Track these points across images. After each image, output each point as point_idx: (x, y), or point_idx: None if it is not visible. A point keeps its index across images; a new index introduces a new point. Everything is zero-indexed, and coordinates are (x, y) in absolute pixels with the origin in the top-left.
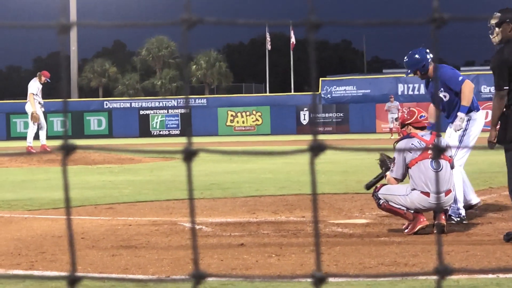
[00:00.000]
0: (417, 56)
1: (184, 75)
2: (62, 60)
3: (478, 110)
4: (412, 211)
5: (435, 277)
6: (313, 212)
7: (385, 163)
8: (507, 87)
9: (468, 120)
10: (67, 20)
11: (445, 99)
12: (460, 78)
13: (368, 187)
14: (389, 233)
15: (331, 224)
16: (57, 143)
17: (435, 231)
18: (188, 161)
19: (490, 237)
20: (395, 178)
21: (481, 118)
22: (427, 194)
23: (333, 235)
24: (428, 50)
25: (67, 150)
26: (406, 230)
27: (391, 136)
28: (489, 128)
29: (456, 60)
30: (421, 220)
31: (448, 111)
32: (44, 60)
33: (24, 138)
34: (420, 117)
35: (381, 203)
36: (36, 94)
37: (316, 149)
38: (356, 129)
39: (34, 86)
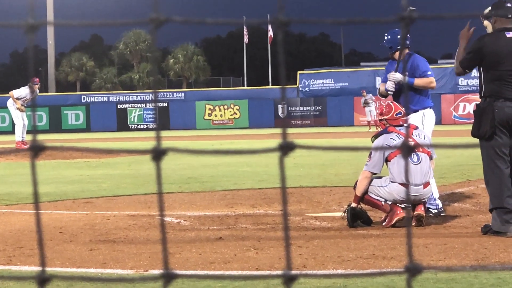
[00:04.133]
0: (395, 36)
1: (153, 71)
2: (30, 60)
3: (431, 107)
4: (390, 203)
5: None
6: (283, 211)
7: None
8: (468, 72)
9: (423, 115)
10: (35, 21)
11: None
12: (429, 72)
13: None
14: (367, 226)
15: (309, 217)
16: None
17: (414, 224)
18: (158, 160)
19: (467, 230)
20: (371, 172)
21: (433, 114)
22: (405, 185)
23: (311, 228)
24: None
25: (36, 150)
26: (384, 223)
27: (369, 129)
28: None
29: (433, 53)
30: (398, 212)
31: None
32: (21, 54)
33: (0, 132)
34: (397, 114)
35: None
36: (19, 99)
37: (286, 148)
38: (334, 122)
39: (21, 91)
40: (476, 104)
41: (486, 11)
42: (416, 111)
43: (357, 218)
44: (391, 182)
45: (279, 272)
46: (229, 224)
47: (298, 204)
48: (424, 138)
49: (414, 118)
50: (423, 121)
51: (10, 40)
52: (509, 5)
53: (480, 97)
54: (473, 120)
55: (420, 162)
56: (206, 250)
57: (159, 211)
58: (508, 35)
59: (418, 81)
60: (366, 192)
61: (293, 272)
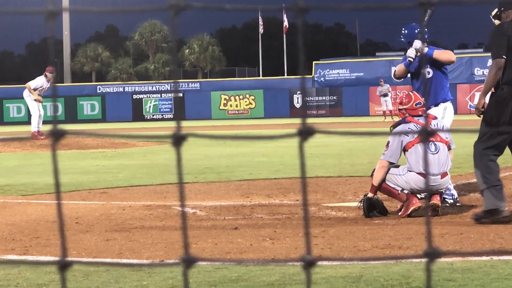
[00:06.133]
0: (413, 31)
1: (173, 60)
2: (51, 47)
3: (450, 100)
4: (406, 192)
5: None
6: (302, 197)
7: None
8: (505, 57)
9: (444, 109)
10: (55, 7)
11: (428, 75)
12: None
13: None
14: (383, 216)
15: (325, 207)
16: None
17: (429, 213)
18: (177, 146)
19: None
20: (388, 162)
21: (452, 108)
22: (423, 175)
23: (327, 218)
24: (417, 30)
25: (57, 136)
26: (400, 213)
27: (385, 119)
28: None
29: (449, 43)
30: (414, 202)
31: (427, 90)
32: (37, 45)
33: (17, 123)
34: (416, 104)
35: None
36: (35, 89)
37: (305, 133)
38: (350, 112)
39: (37, 81)
40: (493, 93)
41: (494, 11)
42: (437, 104)
43: (373, 208)
44: (409, 171)
45: (298, 258)
46: (245, 214)
47: (314, 194)
48: (442, 129)
49: (435, 112)
50: (443, 115)
51: (26, 31)
52: None
53: (498, 84)
54: (487, 108)
55: (437, 152)
56: (222, 240)
57: (179, 196)
58: None
59: (438, 52)
60: (382, 181)
61: (312, 257)
